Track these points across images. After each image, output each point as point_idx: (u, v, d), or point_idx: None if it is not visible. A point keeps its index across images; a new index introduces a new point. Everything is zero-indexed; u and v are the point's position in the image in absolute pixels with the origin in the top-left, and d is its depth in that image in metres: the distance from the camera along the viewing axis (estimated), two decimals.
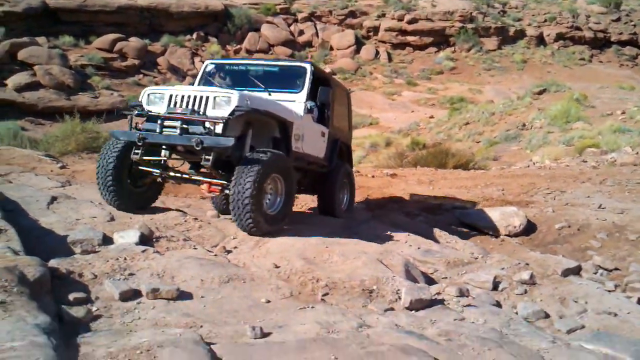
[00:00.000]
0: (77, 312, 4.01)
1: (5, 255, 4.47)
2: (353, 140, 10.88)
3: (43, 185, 7.90)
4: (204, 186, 6.84)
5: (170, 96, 6.53)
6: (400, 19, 39.71)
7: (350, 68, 36.51)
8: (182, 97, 6.46)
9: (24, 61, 26.94)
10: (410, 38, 40.04)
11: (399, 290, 5.32)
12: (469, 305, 5.39)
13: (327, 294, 5.13)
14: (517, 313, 5.52)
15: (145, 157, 6.66)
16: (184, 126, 6.29)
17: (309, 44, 37.77)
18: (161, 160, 6.76)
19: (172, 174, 6.97)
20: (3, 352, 2.93)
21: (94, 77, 28.43)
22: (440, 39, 40.90)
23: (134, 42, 32.09)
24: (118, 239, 5.76)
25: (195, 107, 6.35)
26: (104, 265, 4.96)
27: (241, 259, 5.69)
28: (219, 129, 6.23)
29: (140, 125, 6.78)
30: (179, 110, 6.37)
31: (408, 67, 38.52)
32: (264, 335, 3.95)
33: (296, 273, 5.45)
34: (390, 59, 38.99)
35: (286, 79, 7.95)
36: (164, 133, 6.38)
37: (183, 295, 4.49)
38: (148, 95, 6.76)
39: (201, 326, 3.95)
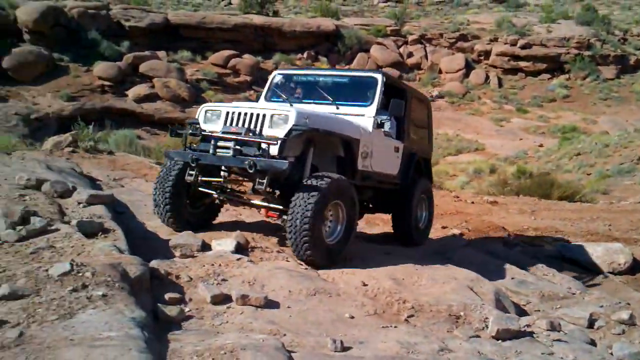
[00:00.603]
0: (171, 311, 4.25)
1: (111, 253, 4.82)
2: (456, 165, 10.56)
3: (150, 191, 8.40)
4: (262, 210, 6.60)
5: (227, 114, 6.25)
6: (513, 44, 38.86)
7: (458, 92, 36.10)
8: (239, 114, 6.16)
9: (144, 74, 28.45)
10: (522, 63, 39.06)
11: (486, 318, 5.27)
12: (559, 340, 5.25)
13: (412, 315, 5.15)
14: (611, 354, 5.33)
15: (203, 178, 6.48)
16: (237, 147, 5.96)
17: (417, 66, 37.71)
18: (220, 181, 6.59)
19: (230, 197, 6.76)
20: (100, 341, 3.18)
21: (207, 92, 29.62)
22: (554, 66, 39.61)
23: (247, 59, 33.20)
24: (216, 246, 6.04)
25: (252, 126, 6.04)
26: (199, 270, 5.22)
27: (330, 274, 5.79)
28: (274, 150, 5.81)
29: (195, 145, 6.54)
30: (233, 130, 6.06)
31: (519, 94, 37.55)
32: (344, 349, 4.04)
33: (383, 292, 5.50)
34: (500, 84, 38.20)
35: (356, 91, 7.34)
36: (218, 154, 6.08)
37: (270, 304, 4.66)
38: (205, 112, 6.50)
39: (284, 334, 4.10)
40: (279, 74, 8.01)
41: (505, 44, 39.12)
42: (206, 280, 4.98)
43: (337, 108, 7.03)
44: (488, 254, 8.43)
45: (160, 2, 41.71)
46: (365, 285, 5.60)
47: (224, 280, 5.06)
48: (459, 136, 29.02)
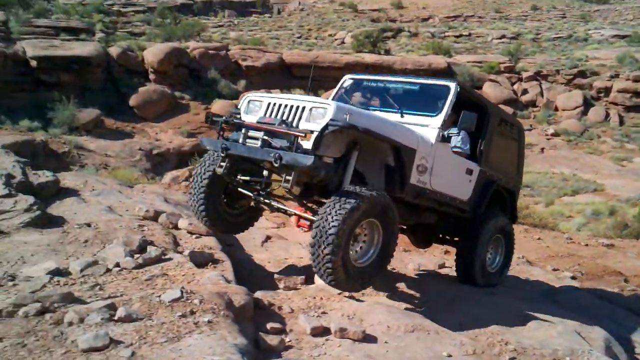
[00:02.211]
0: (272, 340, 4.43)
1: (218, 283, 5.10)
2: (572, 205, 9.88)
3: (261, 225, 8.69)
4: (294, 219, 6.01)
5: (269, 104, 5.70)
6: (636, 80, 37.09)
7: (575, 130, 34.78)
8: (280, 105, 5.58)
9: None
10: None
11: None
12: None
13: (513, 358, 5.04)
14: None
15: (243, 177, 6.07)
16: (267, 138, 5.40)
17: (532, 103, 36.71)
18: (260, 180, 6.10)
19: (265, 199, 6.09)
20: None
21: None
22: None
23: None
24: (318, 280, 6.19)
25: (290, 118, 5.43)
26: (301, 302, 5.40)
27: (430, 313, 5.78)
28: (308, 145, 5.17)
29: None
30: (267, 120, 5.51)
31: None
32: None
33: (484, 333, 5.44)
34: (621, 122, 36.43)
35: (425, 100, 6.62)
36: (247, 144, 5.53)
37: (368, 338, 4.72)
38: (248, 102, 5.99)
39: None
40: (349, 78, 7.49)
41: (627, 80, 37.38)
42: (307, 312, 5.14)
43: (402, 117, 6.42)
44: (600, 298, 8.08)
45: (276, 42, 43.28)
46: (462, 324, 5.54)
47: (324, 313, 5.19)
48: (576, 176, 27.86)
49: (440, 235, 7.76)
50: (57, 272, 5.03)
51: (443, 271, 8.28)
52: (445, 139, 6.27)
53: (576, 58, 40.08)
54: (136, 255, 5.57)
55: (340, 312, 5.21)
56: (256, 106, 5.83)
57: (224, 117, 5.73)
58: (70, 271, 5.11)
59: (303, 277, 6.16)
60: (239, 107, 5.98)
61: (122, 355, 3.41)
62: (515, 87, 37.39)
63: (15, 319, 4.02)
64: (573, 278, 9.47)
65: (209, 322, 4.04)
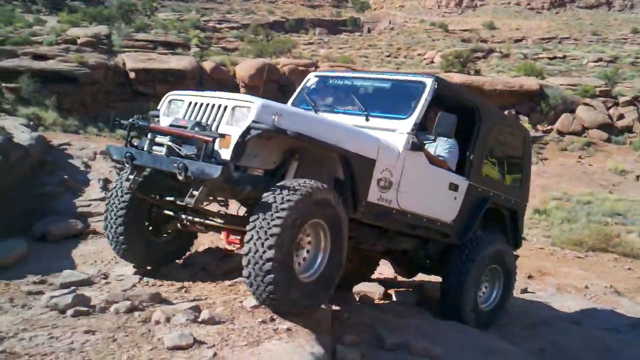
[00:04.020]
0: (349, 353, 4.47)
1: None
2: None
3: None
4: (224, 235, 4.93)
5: (190, 104, 4.74)
6: None
7: None
8: (202, 105, 4.63)
9: None
10: None
11: None
12: None
13: None
14: None
15: (168, 198, 4.88)
16: (172, 145, 4.41)
17: (628, 129, 35.17)
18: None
19: (191, 217, 5.01)
20: None
21: None
22: None
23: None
24: (396, 296, 6.22)
25: (209, 119, 4.50)
26: (380, 316, 5.42)
27: None
28: (227, 153, 4.26)
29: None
30: (182, 123, 4.54)
31: None
32: None
33: None
34: None
35: (397, 100, 5.59)
36: (153, 152, 4.55)
37: (445, 357, 4.69)
38: (169, 102, 5.04)
39: None
40: (315, 75, 6.43)
41: None
42: (383, 325, 5.15)
43: (367, 120, 5.41)
44: None
45: (365, 60, 43.51)
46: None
47: (397, 327, 5.18)
48: None
49: (427, 263, 6.39)
50: (146, 274, 5.28)
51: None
52: (418, 147, 5.23)
53: None
54: (221, 262, 5.76)
55: (416, 330, 5.20)
56: (178, 107, 4.91)
57: (129, 120, 4.68)
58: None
59: (381, 291, 6.19)
60: (158, 107, 5.08)
61: (205, 355, 3.54)
62: (610, 111, 35.99)
63: (106, 314, 4.24)
64: None
65: (287, 329, 4.13)
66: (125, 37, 28.62)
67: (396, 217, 5.25)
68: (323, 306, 4.91)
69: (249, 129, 4.23)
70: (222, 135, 4.27)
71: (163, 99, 5.09)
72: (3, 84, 19.76)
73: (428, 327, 5.28)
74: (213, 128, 4.42)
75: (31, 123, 10.07)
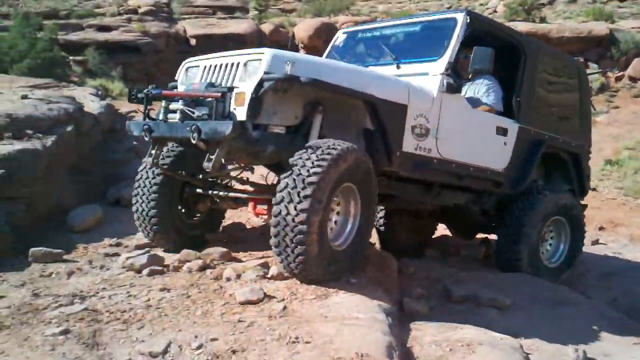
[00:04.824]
0: (416, 305, 4.52)
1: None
2: None
3: None
4: (251, 206, 4.66)
5: (204, 68, 4.56)
6: None
7: None
8: (215, 67, 4.45)
9: None
10: None
11: None
12: None
13: None
14: None
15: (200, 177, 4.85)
16: (186, 108, 4.19)
17: None
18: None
19: (220, 192, 4.87)
20: (350, 320, 3.55)
21: None
22: None
23: None
24: (463, 252, 6.20)
25: (223, 79, 4.31)
26: (449, 270, 5.45)
27: None
28: (241, 113, 3.95)
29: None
30: (195, 86, 4.34)
31: None
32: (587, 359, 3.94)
33: None
34: None
35: (429, 42, 5.18)
36: (169, 121, 4.39)
37: (514, 308, 4.68)
38: (186, 69, 4.85)
39: (523, 337, 4.11)
40: (343, 32, 6.11)
41: None
42: (450, 279, 5.18)
43: (398, 68, 5.05)
44: None
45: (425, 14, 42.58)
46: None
47: (463, 281, 5.18)
48: None
49: (484, 220, 6.05)
50: None
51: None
52: (455, 89, 4.88)
53: None
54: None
55: (482, 282, 5.18)
56: (194, 73, 4.73)
57: (144, 90, 4.48)
58: None
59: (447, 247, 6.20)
60: (176, 77, 4.92)
61: (275, 309, 3.65)
62: None
63: (180, 273, 4.43)
64: None
65: (355, 283, 4.20)
66: (184, 4, 28.88)
67: (438, 167, 4.92)
68: (391, 260, 4.98)
69: (261, 81, 3.97)
70: (231, 89, 4.02)
71: (180, 67, 4.92)
72: (70, 57, 20.32)
73: (495, 279, 5.26)
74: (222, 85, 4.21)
75: (99, 92, 10.32)
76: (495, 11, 44.16)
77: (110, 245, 5.45)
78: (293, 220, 3.76)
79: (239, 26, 25.79)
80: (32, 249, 4.86)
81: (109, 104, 9.43)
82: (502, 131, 5.37)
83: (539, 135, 5.66)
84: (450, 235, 7.06)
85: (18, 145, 5.74)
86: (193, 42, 24.06)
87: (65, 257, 4.98)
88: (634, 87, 28.16)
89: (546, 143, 5.73)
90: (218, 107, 3.97)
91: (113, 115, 8.98)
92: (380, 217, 6.49)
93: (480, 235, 6.82)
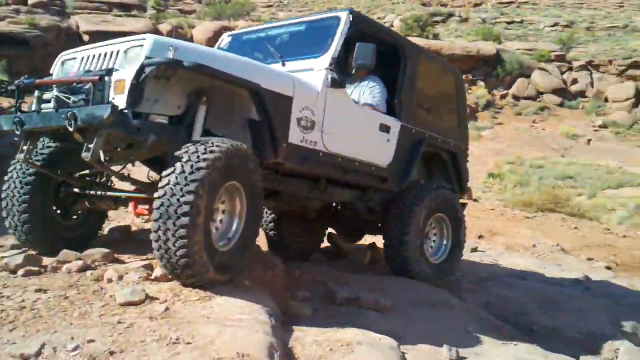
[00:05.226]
0: (300, 307, 4.59)
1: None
2: (615, 199, 7.96)
3: None
4: (131, 206, 4.42)
5: (82, 59, 4.36)
6: None
7: (625, 122, 33.92)
8: (94, 57, 4.25)
9: None
10: None
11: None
12: None
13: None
14: None
15: (78, 174, 4.66)
16: (60, 95, 3.98)
17: (581, 93, 35.87)
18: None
19: (99, 192, 4.68)
20: (233, 321, 3.56)
21: None
22: None
23: None
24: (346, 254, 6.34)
25: (101, 67, 4.09)
26: (333, 273, 5.57)
27: None
28: (121, 101, 3.75)
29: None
30: (71, 75, 4.19)
31: None
32: (459, 358, 4.15)
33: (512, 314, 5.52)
34: None
35: (313, 41, 5.23)
36: (42, 112, 4.12)
37: (394, 310, 4.84)
38: (62, 63, 4.63)
39: (401, 338, 4.27)
40: (228, 35, 6.13)
41: None
42: (335, 282, 5.29)
43: (283, 65, 5.10)
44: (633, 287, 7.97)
45: None
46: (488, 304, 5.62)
47: (348, 283, 5.31)
48: (622, 169, 27.31)
49: (370, 217, 6.04)
50: None
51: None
52: (339, 84, 4.95)
53: (631, 48, 39.00)
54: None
55: (366, 285, 5.34)
56: (71, 66, 4.49)
57: (15, 82, 4.27)
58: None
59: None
60: (51, 70, 4.65)
61: (156, 310, 3.60)
62: (565, 76, 36.62)
63: (58, 274, 4.26)
64: (608, 268, 9.40)
65: (239, 285, 4.21)
66: None
67: (324, 160, 4.93)
68: (278, 264, 5.02)
69: (142, 66, 3.80)
70: (110, 71, 3.85)
71: (55, 61, 4.67)
72: None
73: (378, 282, 5.43)
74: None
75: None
76: (392, 26, 45.56)
77: None
78: (174, 223, 3.63)
79: (135, 24, 25.19)
80: None
81: None
82: (385, 128, 5.50)
83: (419, 134, 5.84)
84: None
85: None
86: (86, 38, 23.22)
87: None
88: (516, 105, 29.89)
89: (426, 141, 5.92)
90: (96, 93, 3.81)
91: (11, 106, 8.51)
92: (270, 222, 6.53)
93: (367, 241, 7.04)
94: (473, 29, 43.32)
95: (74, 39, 22.83)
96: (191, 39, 27.48)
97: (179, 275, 3.84)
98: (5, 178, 4.69)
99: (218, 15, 32.90)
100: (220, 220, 4.09)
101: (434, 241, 6.11)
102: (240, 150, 3.99)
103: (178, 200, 3.63)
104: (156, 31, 25.60)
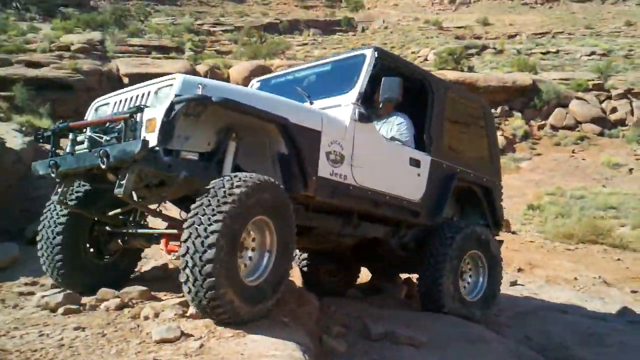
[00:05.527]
0: (335, 343, 4.58)
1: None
2: None
3: None
4: (163, 242, 4.66)
5: (115, 104, 4.54)
6: None
7: None
8: (127, 100, 4.40)
9: None
10: None
11: None
12: None
13: None
14: None
15: (111, 213, 4.73)
16: (94, 135, 4.15)
17: (621, 122, 35.23)
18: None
19: (132, 230, 4.81)
20: (267, 357, 3.57)
21: None
22: None
23: None
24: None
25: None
26: (369, 308, 5.54)
27: None
28: (152, 138, 3.85)
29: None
30: (104, 117, 4.31)
31: None
32: None
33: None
34: None
35: (340, 79, 5.31)
36: (76, 153, 4.27)
37: (430, 345, 4.79)
38: (96, 109, 4.80)
39: None
40: (257, 81, 6.30)
41: None
42: (370, 317, 5.26)
43: (311, 104, 5.17)
44: None
45: None
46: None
47: (383, 319, 5.27)
48: None
49: (403, 255, 5.93)
50: None
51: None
52: (367, 118, 5.03)
53: None
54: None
55: (401, 320, 5.30)
56: (104, 112, 4.67)
57: (51, 128, 4.43)
58: None
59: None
60: (86, 117, 4.82)
61: (191, 347, 3.64)
62: (603, 105, 36.12)
63: (96, 312, 4.35)
64: None
65: (275, 320, 4.23)
66: (119, 43, 28.73)
67: (354, 193, 4.96)
68: (312, 300, 5.03)
69: (172, 104, 3.90)
70: (140, 109, 3.95)
71: (89, 107, 4.85)
72: None
73: (414, 317, 5.39)
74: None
75: (23, 128, 10.12)
76: (426, 59, 45.81)
77: (26, 284, 5.33)
78: (200, 257, 3.62)
79: (173, 66, 25.77)
80: None
81: (33, 141, 9.23)
82: (415, 162, 5.52)
83: (450, 169, 5.85)
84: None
85: None
86: (126, 80, 23.87)
87: None
88: (555, 135, 29.55)
89: (458, 176, 5.90)
90: (127, 131, 3.90)
91: (37, 151, 8.79)
92: (304, 259, 6.57)
93: (402, 276, 7.02)
94: (508, 60, 43.19)
95: (115, 81, 23.53)
96: (228, 79, 28.05)
97: (207, 310, 3.82)
98: (41, 219, 4.80)
99: (254, 54, 33.50)
100: (250, 257, 4.09)
101: (469, 279, 6.02)
102: (268, 185, 3.99)
103: (204, 234, 3.63)
104: (194, 72, 26.19)
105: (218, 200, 3.70)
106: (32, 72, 21.54)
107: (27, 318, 4.22)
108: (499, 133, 33.19)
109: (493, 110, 34.36)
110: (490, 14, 59.73)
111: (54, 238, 4.66)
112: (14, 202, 7.08)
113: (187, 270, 3.70)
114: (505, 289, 7.83)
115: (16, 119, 15.39)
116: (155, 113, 3.94)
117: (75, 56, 24.15)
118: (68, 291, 4.57)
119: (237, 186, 3.78)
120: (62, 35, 27.72)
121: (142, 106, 3.99)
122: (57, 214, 4.70)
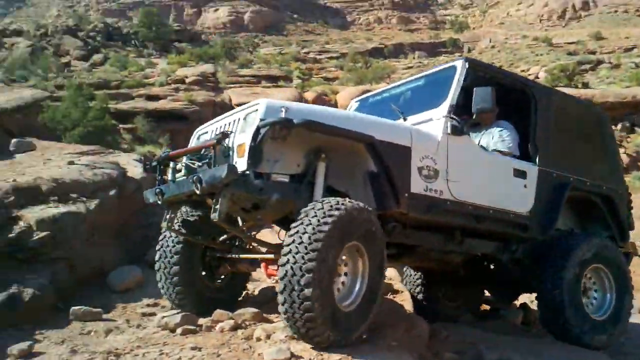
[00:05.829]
0: None
1: (398, 311, 5.26)
2: None
3: None
4: (263, 266, 4.93)
5: (213, 131, 4.71)
6: None
7: None
8: (222, 127, 4.54)
9: None
10: None
11: None
12: None
13: None
14: None
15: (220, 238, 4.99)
16: (189, 163, 4.46)
17: None
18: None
19: (233, 255, 5.05)
20: None
21: None
22: None
23: None
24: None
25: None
26: (482, 334, 5.39)
27: None
28: (242, 163, 4.01)
29: None
30: (197, 146, 4.56)
31: None
32: None
33: None
34: None
35: (432, 93, 5.19)
36: (177, 180, 4.52)
37: None
38: (198, 137, 4.99)
39: None
40: (355, 101, 6.29)
41: None
42: (484, 343, 5.12)
43: (405, 120, 5.11)
44: None
45: None
46: None
47: (497, 344, 5.11)
48: None
49: (522, 277, 5.64)
50: None
51: None
52: (461, 131, 4.82)
53: None
54: None
55: (516, 346, 5.11)
56: (205, 140, 4.76)
57: (155, 157, 4.69)
58: None
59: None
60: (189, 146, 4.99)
61: None
62: None
63: (212, 332, 4.51)
64: None
65: (383, 344, 4.21)
66: (230, 74, 29.90)
67: (452, 208, 4.78)
68: (423, 324, 4.95)
69: (258, 129, 3.99)
70: (225, 135, 4.15)
71: (192, 136, 5.09)
72: (120, 125, 21.11)
73: (530, 344, 5.18)
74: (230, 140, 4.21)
75: (142, 158, 10.69)
76: (537, 77, 44.50)
77: (148, 305, 5.58)
78: (298, 281, 3.67)
79: (283, 94, 26.48)
80: (73, 308, 5.02)
81: None
82: (521, 173, 5.26)
83: (562, 178, 5.53)
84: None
85: (63, 209, 5.98)
86: None
87: (104, 316, 5.13)
88: None
89: (571, 185, 5.56)
90: (217, 156, 4.09)
91: (155, 180, 9.25)
92: (418, 285, 6.45)
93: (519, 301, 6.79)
94: (626, 74, 41.15)
95: (227, 110, 24.38)
96: (335, 105, 28.44)
97: (302, 333, 3.84)
98: (157, 247, 5.09)
99: (360, 80, 33.83)
100: (343, 282, 4.07)
101: (594, 296, 5.58)
102: (361, 211, 4.02)
103: (302, 259, 3.68)
104: (301, 99, 26.77)
105: (314, 228, 3.74)
106: (151, 105, 22.84)
107: (148, 337, 4.43)
108: (620, 150, 31.29)
109: (613, 127, 32.79)
110: (603, 28, 57.28)
111: (171, 265, 4.93)
112: (136, 228, 7.45)
113: (286, 294, 3.74)
114: (632, 316, 7.35)
115: (139, 150, 16.34)
116: (244, 138, 4.09)
117: (190, 88, 25.37)
118: (186, 313, 4.76)
119: (331, 214, 3.82)
120: (177, 69, 29.25)
121: (227, 132, 4.19)
122: (172, 241, 4.96)
